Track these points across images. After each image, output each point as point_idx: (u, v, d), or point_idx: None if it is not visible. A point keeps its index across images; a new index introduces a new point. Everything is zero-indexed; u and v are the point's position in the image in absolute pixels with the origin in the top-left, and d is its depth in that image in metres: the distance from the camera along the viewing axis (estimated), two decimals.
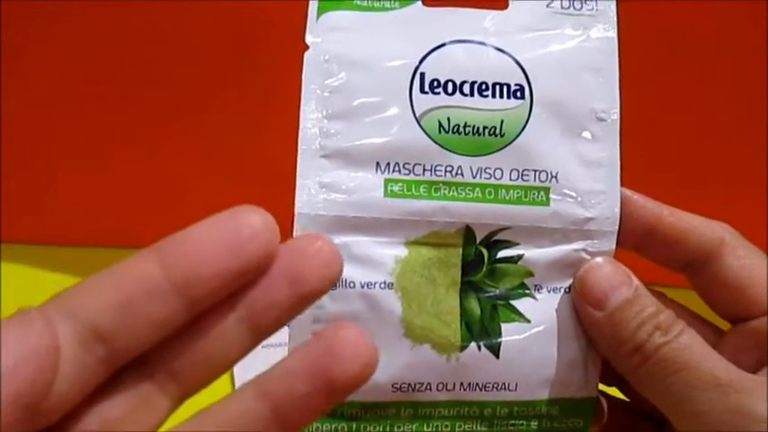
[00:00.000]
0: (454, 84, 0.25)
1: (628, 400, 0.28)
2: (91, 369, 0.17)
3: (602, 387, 0.27)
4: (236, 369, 0.46)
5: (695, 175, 0.47)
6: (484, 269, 0.25)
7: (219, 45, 0.49)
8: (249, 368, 0.40)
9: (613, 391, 0.28)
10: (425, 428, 0.25)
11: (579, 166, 0.25)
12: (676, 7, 0.44)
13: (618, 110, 0.26)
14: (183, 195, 0.56)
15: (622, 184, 0.26)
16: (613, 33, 0.26)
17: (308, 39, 0.25)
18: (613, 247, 0.26)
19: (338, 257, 0.18)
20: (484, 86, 0.25)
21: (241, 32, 0.49)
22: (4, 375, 0.16)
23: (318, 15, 0.25)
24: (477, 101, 0.25)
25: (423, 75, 0.25)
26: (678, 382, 0.23)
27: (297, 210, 0.24)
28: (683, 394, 0.23)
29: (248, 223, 0.17)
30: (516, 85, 0.25)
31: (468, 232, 0.25)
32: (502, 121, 0.25)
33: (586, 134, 0.25)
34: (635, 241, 0.26)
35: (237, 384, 0.44)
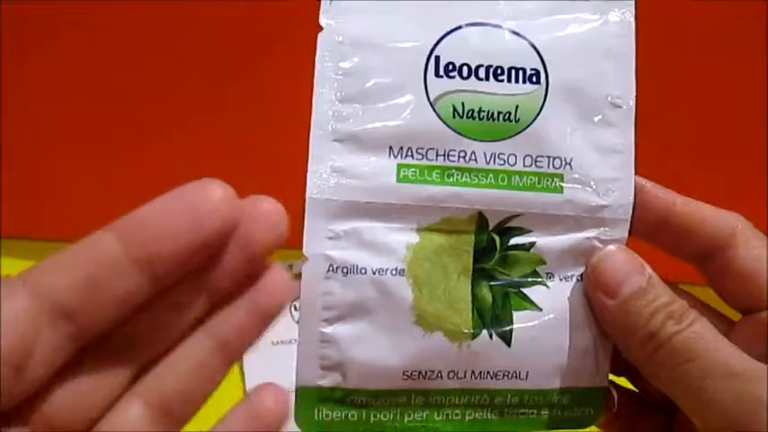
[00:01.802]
0: (469, 68, 0.24)
1: (636, 390, 0.28)
2: (58, 347, 0.17)
3: (611, 377, 0.27)
4: (247, 367, 0.46)
5: (702, 166, 0.46)
6: (496, 256, 0.25)
7: (219, 45, 0.49)
8: (260, 366, 0.41)
9: (622, 382, 0.28)
10: (436, 417, 0.25)
11: (594, 153, 0.25)
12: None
13: (634, 96, 0.25)
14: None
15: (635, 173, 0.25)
16: (632, 18, 0.26)
17: (322, 20, 0.24)
18: (626, 235, 0.25)
19: (283, 217, 0.19)
20: (499, 71, 0.24)
21: (241, 31, 0.48)
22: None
23: None
24: (492, 85, 0.24)
25: (438, 58, 0.24)
26: (691, 370, 0.23)
27: (308, 195, 0.24)
28: (695, 383, 0.23)
29: (208, 197, 0.17)
30: (532, 69, 0.24)
31: (480, 219, 0.25)
32: (517, 107, 0.24)
33: (602, 120, 0.25)
34: (647, 230, 0.26)
35: (248, 383, 0.45)
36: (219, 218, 0.17)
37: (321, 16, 0.24)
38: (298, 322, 0.24)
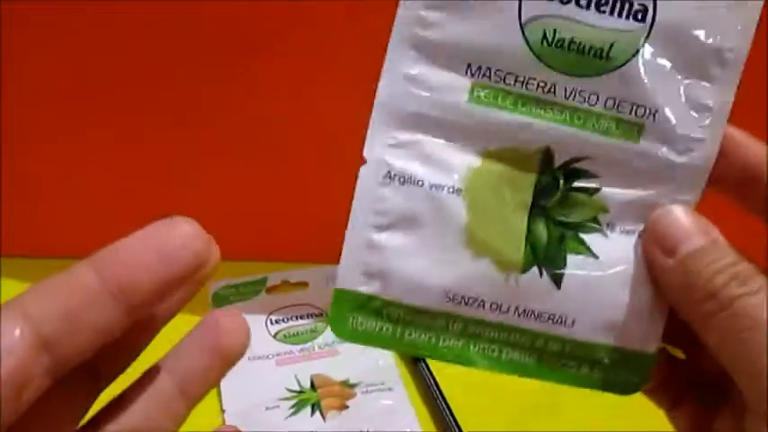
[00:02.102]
0: None
1: (689, 363, 0.27)
2: (44, 373, 0.17)
3: (664, 345, 0.26)
4: (223, 383, 0.46)
5: None
6: (557, 195, 0.24)
7: (221, 45, 0.48)
8: (237, 381, 0.40)
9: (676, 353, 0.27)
10: (472, 347, 0.24)
11: (684, 108, 0.24)
12: None
13: (746, 53, 0.23)
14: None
15: None
16: None
17: None
18: (698, 198, 0.24)
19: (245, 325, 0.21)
20: (603, 0, 0.23)
21: (241, 31, 0.48)
22: (4, 349, 0.16)
23: None
24: (591, 15, 0.23)
25: None
26: (750, 340, 0.22)
27: (377, 98, 0.23)
28: (753, 354, 0.21)
29: (179, 233, 0.18)
30: (640, 4, 0.23)
31: (546, 154, 0.24)
32: (612, 45, 0.23)
33: (704, 74, 0.23)
34: (734, 185, 0.24)
35: (224, 399, 0.45)
36: (190, 252, 0.18)
37: None
38: (347, 230, 0.24)
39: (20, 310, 0.17)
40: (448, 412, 0.46)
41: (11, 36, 0.47)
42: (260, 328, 0.50)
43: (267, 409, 0.45)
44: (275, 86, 0.49)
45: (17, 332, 0.17)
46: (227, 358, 0.21)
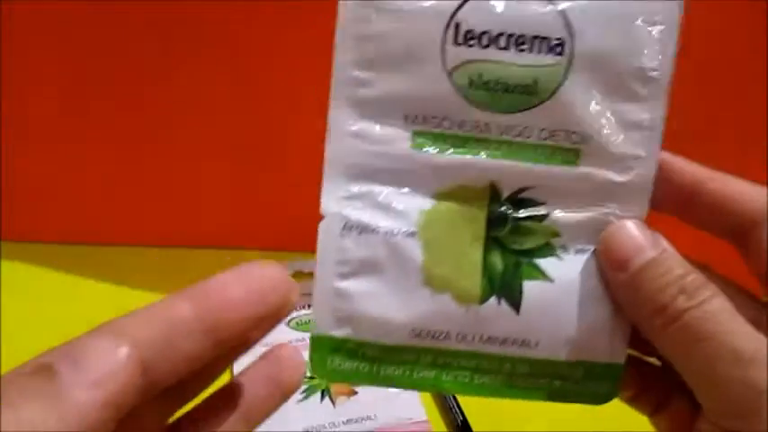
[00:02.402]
0: (489, 36, 0.24)
1: (665, 368, 0.27)
2: (133, 398, 0.18)
3: (641, 356, 0.27)
4: (238, 368, 0.48)
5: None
6: (508, 226, 0.25)
7: (219, 44, 0.49)
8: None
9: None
10: (444, 377, 0.26)
11: (616, 128, 0.24)
12: None
13: (671, 69, 0.24)
14: (184, 194, 0.56)
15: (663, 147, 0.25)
16: None
17: None
18: (644, 212, 0.25)
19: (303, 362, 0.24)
20: (521, 40, 0.24)
21: (241, 30, 0.48)
22: (111, 372, 0.18)
23: None
24: (512, 55, 0.24)
25: (458, 24, 0.24)
26: (699, 352, 0.22)
27: (327, 157, 0.25)
28: (703, 365, 0.22)
29: (269, 276, 0.20)
30: (557, 39, 0.24)
31: (493, 189, 0.25)
32: (536, 79, 0.24)
33: (631, 95, 0.24)
34: (675, 207, 0.25)
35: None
36: (278, 295, 0.20)
37: None
38: (313, 276, 0.26)
39: (127, 335, 0.18)
40: (452, 399, 0.49)
41: (11, 35, 0.48)
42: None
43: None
44: (283, 81, 0.50)
45: (123, 354, 0.18)
46: (287, 390, 0.23)
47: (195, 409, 0.23)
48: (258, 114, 0.52)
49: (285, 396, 0.23)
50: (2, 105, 0.52)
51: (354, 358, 0.26)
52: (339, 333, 0.26)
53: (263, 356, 0.23)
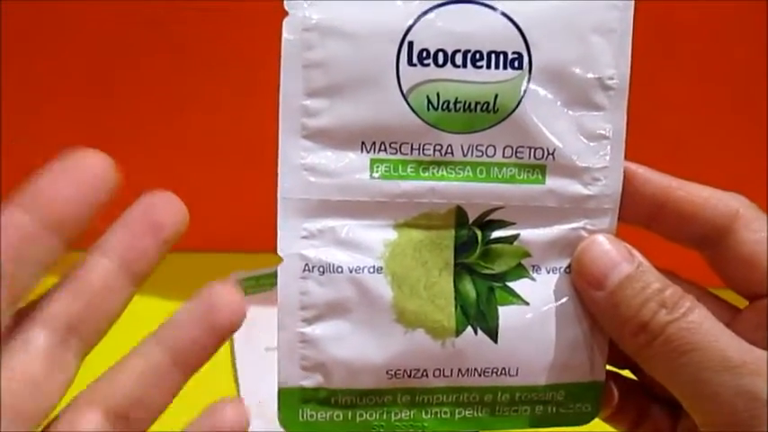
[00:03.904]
0: (445, 54, 0.23)
1: (640, 382, 0.27)
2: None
3: (614, 369, 0.26)
4: (241, 375, 0.46)
5: (701, 165, 0.45)
6: (478, 250, 0.24)
7: (218, 44, 0.48)
8: (254, 373, 0.40)
9: (628, 373, 0.27)
10: (424, 415, 0.25)
11: (580, 141, 0.24)
12: None
13: (628, 75, 0.24)
14: (184, 197, 0.56)
15: (626, 158, 0.24)
16: None
17: (287, 4, 0.23)
18: (614, 225, 0.24)
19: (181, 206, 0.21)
20: (478, 56, 0.23)
21: (237, 31, 0.48)
22: None
23: None
24: (469, 73, 0.23)
25: (411, 44, 0.23)
26: (687, 363, 0.22)
27: (280, 194, 0.23)
28: (692, 376, 0.22)
29: (93, 163, 0.20)
30: (514, 53, 0.23)
31: (459, 213, 0.24)
32: (496, 96, 0.23)
33: (591, 105, 0.24)
34: (643, 218, 0.24)
35: (242, 390, 0.45)
36: (107, 179, 0.20)
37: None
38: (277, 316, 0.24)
39: None
40: None
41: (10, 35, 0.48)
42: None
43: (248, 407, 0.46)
44: (271, 84, 0.49)
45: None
46: (222, 332, 0.21)
47: (118, 364, 0.21)
48: (262, 116, 0.50)
49: (220, 338, 0.21)
50: (2, 106, 0.50)
51: (327, 407, 0.24)
52: (309, 383, 0.24)
53: (195, 297, 0.21)
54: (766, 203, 0.25)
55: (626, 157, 0.24)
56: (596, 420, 0.26)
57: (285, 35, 0.23)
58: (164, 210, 0.21)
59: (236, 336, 0.48)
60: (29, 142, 0.53)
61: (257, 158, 0.52)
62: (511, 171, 0.24)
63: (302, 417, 0.24)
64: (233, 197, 0.53)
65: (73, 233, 0.19)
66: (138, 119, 0.52)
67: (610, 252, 0.24)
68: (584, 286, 0.24)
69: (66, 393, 0.19)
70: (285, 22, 0.23)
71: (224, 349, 0.49)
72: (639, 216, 0.24)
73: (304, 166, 0.23)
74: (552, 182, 0.24)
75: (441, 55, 0.23)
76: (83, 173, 0.20)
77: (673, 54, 0.44)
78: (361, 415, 0.24)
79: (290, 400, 0.24)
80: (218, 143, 0.53)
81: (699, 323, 0.22)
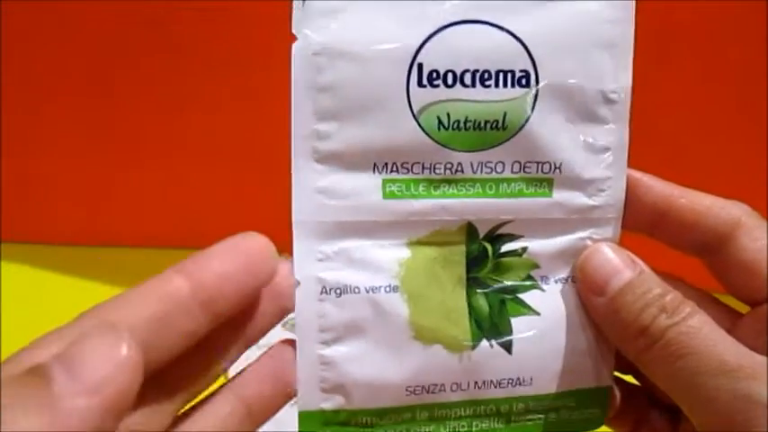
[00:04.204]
0: (454, 74, 0.23)
1: (642, 386, 0.28)
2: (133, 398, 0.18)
3: (616, 374, 0.27)
4: (235, 371, 0.46)
5: (700, 166, 0.46)
6: (489, 264, 0.25)
7: (218, 44, 0.48)
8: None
9: (631, 378, 0.28)
10: (442, 430, 0.25)
11: (585, 153, 0.24)
12: None
13: (630, 88, 0.24)
14: (186, 195, 0.56)
15: (629, 166, 0.25)
16: (630, 2, 0.24)
17: (295, 28, 0.23)
18: (618, 234, 0.25)
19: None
20: (486, 75, 0.23)
21: (237, 30, 0.48)
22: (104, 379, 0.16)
23: None
24: (478, 92, 0.23)
25: (420, 66, 0.23)
26: (685, 367, 0.22)
27: (294, 218, 0.23)
28: (690, 380, 0.22)
29: (257, 246, 0.20)
30: (521, 71, 0.23)
31: (470, 228, 0.24)
32: (505, 114, 0.23)
33: (595, 118, 0.24)
34: (646, 225, 0.25)
35: None
36: (267, 266, 0.20)
37: (293, 23, 0.22)
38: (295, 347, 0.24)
39: (125, 325, 0.17)
40: None
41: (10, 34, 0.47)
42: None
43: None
44: (272, 86, 0.49)
45: (123, 354, 0.17)
46: (291, 387, 0.23)
47: (194, 408, 0.22)
48: (261, 116, 0.50)
49: (289, 394, 0.22)
50: (2, 106, 0.50)
51: (347, 428, 0.24)
52: (329, 405, 0.24)
53: (266, 354, 0.23)
54: (766, 205, 0.25)
55: (628, 164, 0.25)
56: None
57: (294, 59, 0.23)
58: (260, 254, 0.20)
59: None
60: (29, 142, 0.52)
61: (257, 158, 0.53)
62: (519, 186, 0.24)
63: None
64: (233, 197, 0.53)
65: (221, 313, 0.19)
66: (138, 119, 0.52)
67: (612, 259, 0.24)
68: (587, 292, 0.24)
69: None
70: (294, 46, 0.23)
71: None
72: (642, 224, 0.25)
73: (317, 189, 0.23)
74: (559, 194, 0.24)
75: (450, 75, 0.23)
76: (244, 253, 0.20)
77: (671, 56, 0.45)
78: None
79: (310, 423, 0.24)
80: (218, 143, 0.53)
81: (698, 328, 0.23)
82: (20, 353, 0.18)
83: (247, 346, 0.22)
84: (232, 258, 0.20)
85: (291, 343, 0.23)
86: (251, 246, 0.20)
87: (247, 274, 0.20)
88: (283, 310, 0.22)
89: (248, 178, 0.54)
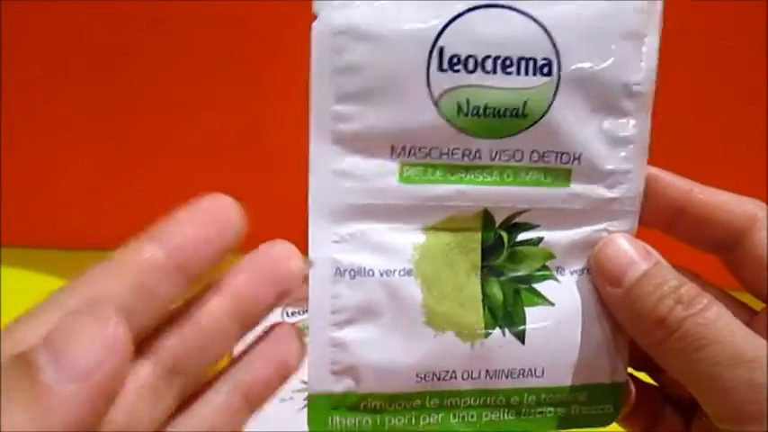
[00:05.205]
0: (475, 60, 0.23)
1: (656, 384, 0.27)
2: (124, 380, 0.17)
3: (631, 371, 0.26)
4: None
5: (700, 168, 0.46)
6: (504, 253, 0.24)
7: (218, 44, 0.48)
8: None
9: (643, 376, 0.28)
10: (452, 419, 0.25)
11: (605, 145, 0.24)
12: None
13: (654, 81, 0.24)
14: (185, 198, 0.56)
15: (649, 162, 0.25)
16: None
17: (316, 7, 0.22)
18: (635, 227, 0.25)
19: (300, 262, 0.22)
20: (508, 62, 0.23)
21: (237, 29, 0.48)
22: (93, 363, 0.16)
23: None
24: (499, 79, 0.23)
25: (441, 50, 0.23)
26: (702, 358, 0.22)
27: (311, 199, 0.23)
28: (706, 371, 0.22)
29: (226, 208, 0.20)
30: (544, 59, 0.23)
31: (486, 216, 0.24)
32: (525, 102, 0.23)
33: (617, 110, 0.24)
34: (664, 221, 0.25)
35: None
36: (237, 225, 0.20)
37: (314, 3, 0.22)
38: (307, 328, 0.24)
39: (111, 300, 0.18)
40: None
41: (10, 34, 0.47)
42: (274, 312, 0.50)
43: (281, 400, 0.45)
44: (273, 86, 0.49)
45: (110, 335, 0.16)
46: (289, 369, 0.22)
47: (193, 396, 0.21)
48: (259, 115, 0.51)
49: (286, 376, 0.22)
50: (2, 110, 0.50)
51: (356, 412, 0.24)
52: (339, 388, 0.24)
53: (262, 337, 0.22)
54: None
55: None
56: None
57: (314, 39, 0.22)
58: (285, 264, 0.21)
59: None
60: (29, 146, 0.53)
61: (258, 160, 0.53)
62: (537, 175, 0.24)
63: (331, 424, 0.24)
64: (233, 197, 0.53)
65: (197, 276, 0.19)
66: (139, 122, 0.52)
67: (628, 251, 0.24)
68: (602, 283, 0.24)
69: (160, 427, 0.19)
70: (314, 25, 0.22)
71: None
72: (659, 219, 0.25)
73: (335, 171, 0.23)
74: (577, 185, 0.24)
75: (471, 61, 0.23)
76: (215, 216, 0.20)
77: (676, 55, 0.44)
78: (390, 420, 0.24)
79: (320, 406, 0.24)
80: (219, 147, 0.53)
81: (715, 319, 0.23)
82: (3, 344, 0.17)
83: (248, 331, 0.21)
84: (202, 222, 0.20)
85: (290, 325, 0.23)
86: (218, 207, 0.20)
87: (219, 237, 0.20)
88: (283, 294, 0.21)
89: (249, 180, 0.54)
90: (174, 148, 0.53)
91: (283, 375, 0.22)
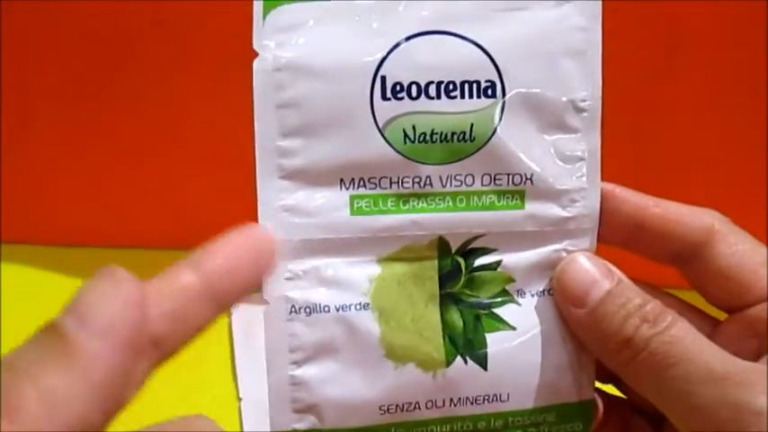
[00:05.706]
0: (419, 86, 0.23)
1: (624, 396, 0.27)
2: (142, 375, 0.18)
3: (598, 384, 0.26)
4: (240, 371, 0.46)
5: (701, 168, 0.46)
6: (462, 279, 0.24)
7: (218, 44, 0.48)
8: (253, 370, 0.40)
9: (609, 388, 0.27)
10: None
11: (557, 164, 0.24)
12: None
13: (600, 96, 0.24)
14: (185, 196, 0.57)
15: (603, 178, 0.24)
16: (598, 8, 0.24)
17: (256, 44, 0.22)
18: (594, 245, 0.24)
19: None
20: (452, 86, 0.23)
21: (237, 29, 0.48)
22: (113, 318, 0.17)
23: (265, 14, 0.22)
24: (444, 104, 0.23)
25: (384, 79, 0.22)
26: (672, 377, 0.22)
27: None
28: (678, 390, 0.22)
29: (258, 238, 0.21)
30: (487, 81, 0.23)
31: (441, 243, 0.24)
32: (472, 125, 0.23)
33: (565, 128, 0.24)
34: (622, 237, 0.25)
35: (242, 387, 0.45)
36: (271, 256, 0.21)
37: (254, 39, 0.22)
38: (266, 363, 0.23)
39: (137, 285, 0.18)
40: None
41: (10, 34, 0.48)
42: None
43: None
44: None
45: (124, 294, 0.18)
46: (262, 266, 0.22)
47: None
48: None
49: (258, 270, 0.22)
50: (2, 107, 0.50)
51: None
52: (301, 426, 0.23)
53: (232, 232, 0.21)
54: (766, 206, 0.25)
55: (639, 162, 0.24)
56: None
57: (256, 76, 0.22)
58: (263, 247, 0.21)
59: (235, 336, 0.49)
60: (29, 143, 0.52)
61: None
62: (490, 198, 0.24)
63: None
64: (234, 199, 0.53)
65: (228, 305, 0.20)
66: (138, 120, 0.52)
67: (589, 269, 0.24)
68: (566, 304, 0.24)
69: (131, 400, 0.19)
70: (255, 62, 0.22)
71: (224, 349, 0.49)
72: (618, 236, 0.25)
73: (284, 207, 0.23)
74: (531, 206, 0.24)
75: (414, 87, 0.23)
76: (250, 249, 0.21)
77: (676, 59, 0.44)
78: None
79: None
80: (218, 144, 0.52)
81: (682, 336, 0.22)
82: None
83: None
84: (239, 253, 0.20)
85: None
86: (254, 239, 0.21)
87: (252, 268, 0.21)
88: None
89: (249, 180, 0.54)
90: (175, 146, 0.53)
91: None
